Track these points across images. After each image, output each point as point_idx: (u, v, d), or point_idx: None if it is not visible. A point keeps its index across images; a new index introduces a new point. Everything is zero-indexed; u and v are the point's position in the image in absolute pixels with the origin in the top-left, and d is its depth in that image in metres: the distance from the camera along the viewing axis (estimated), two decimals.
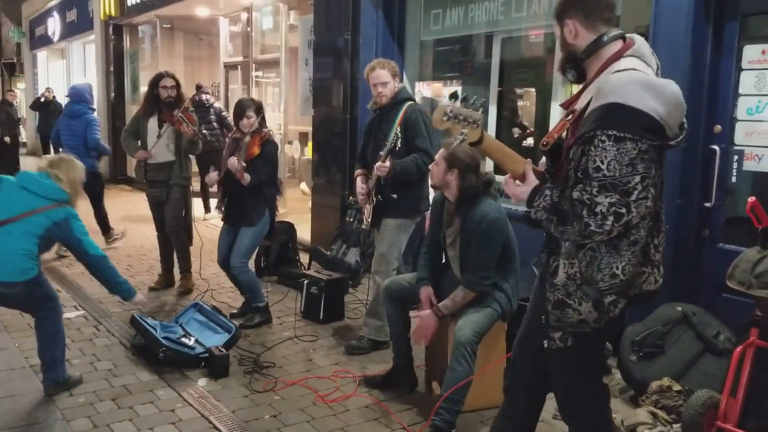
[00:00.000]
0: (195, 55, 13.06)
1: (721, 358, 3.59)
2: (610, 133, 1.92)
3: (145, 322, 4.35)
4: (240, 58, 10.45)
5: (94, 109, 7.42)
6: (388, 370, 3.95)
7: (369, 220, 4.41)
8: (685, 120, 2.07)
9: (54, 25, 16.76)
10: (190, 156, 5.75)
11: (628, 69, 2.03)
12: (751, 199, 3.08)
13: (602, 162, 1.93)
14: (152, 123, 5.61)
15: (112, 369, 4.14)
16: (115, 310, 5.25)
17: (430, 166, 3.58)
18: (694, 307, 3.83)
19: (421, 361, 3.96)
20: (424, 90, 6.61)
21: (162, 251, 5.96)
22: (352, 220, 6.20)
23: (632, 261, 2.05)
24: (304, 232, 7.09)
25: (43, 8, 17.67)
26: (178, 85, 5.63)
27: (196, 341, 4.27)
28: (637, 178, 1.92)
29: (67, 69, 17.02)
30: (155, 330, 4.27)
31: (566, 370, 2.32)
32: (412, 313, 3.87)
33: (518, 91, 5.97)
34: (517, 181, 2.20)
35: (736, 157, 3.93)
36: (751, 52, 3.87)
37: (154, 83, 5.63)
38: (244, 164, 4.65)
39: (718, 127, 4.00)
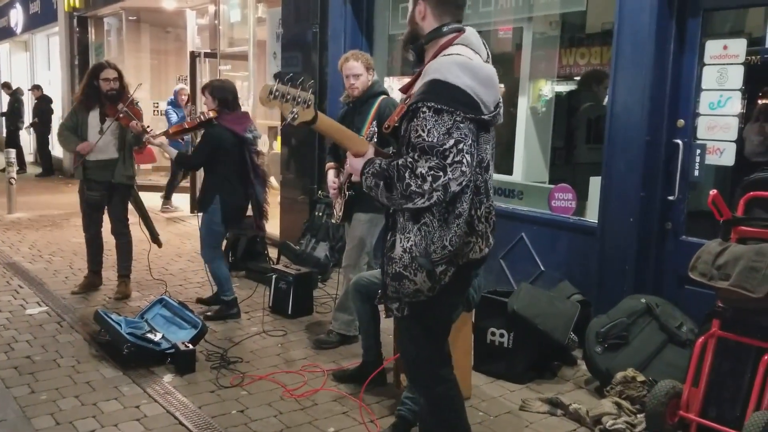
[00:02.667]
0: (162, 48, 12.86)
1: (684, 348, 3.65)
2: (429, 104, 2.14)
3: (110, 317, 4.28)
4: (207, 51, 10.31)
5: None
6: (358, 365, 3.94)
7: (340, 214, 4.39)
8: (500, 99, 2.34)
9: (17, 17, 16.36)
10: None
11: (453, 54, 2.26)
12: (713, 192, 3.13)
13: (423, 130, 2.14)
14: (93, 117, 5.21)
15: (75, 365, 4.06)
16: (79, 306, 5.16)
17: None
18: (657, 299, 3.89)
19: (390, 355, 3.96)
20: (394, 84, 6.60)
21: (90, 252, 5.54)
22: (321, 214, 6.19)
23: (458, 232, 2.26)
24: (272, 227, 7.03)
25: None
26: (120, 77, 5.26)
27: (162, 337, 4.21)
28: (452, 142, 2.12)
29: (30, 62, 16.64)
30: (120, 326, 4.20)
31: (408, 338, 2.51)
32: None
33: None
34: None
35: (698, 151, 4.00)
36: (713, 48, 3.93)
37: (94, 74, 5.24)
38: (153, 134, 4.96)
39: (681, 122, 4.06)
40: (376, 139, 4.15)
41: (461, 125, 2.14)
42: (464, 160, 2.14)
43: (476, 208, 2.31)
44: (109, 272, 5.77)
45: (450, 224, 2.24)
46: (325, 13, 6.50)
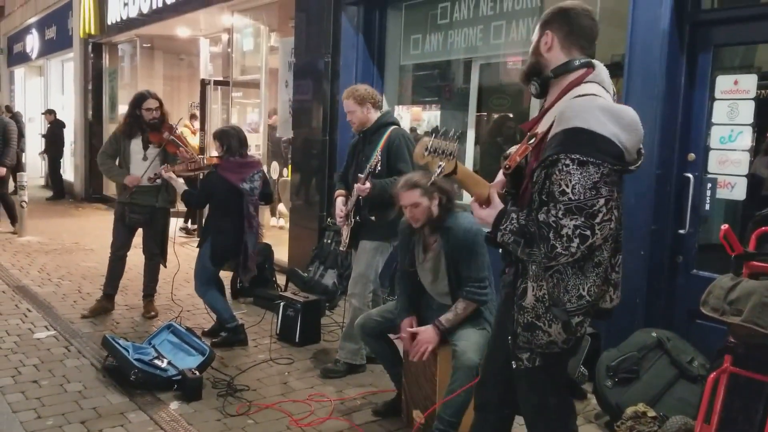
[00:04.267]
0: (174, 75, 13.03)
1: (695, 384, 3.61)
2: (573, 156, 1.96)
3: (117, 343, 4.28)
4: (220, 79, 10.44)
5: None
6: (393, 398, 3.89)
7: (347, 241, 4.41)
8: (642, 146, 2.14)
9: (32, 42, 16.63)
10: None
11: (589, 94, 2.09)
12: (724, 226, 3.12)
13: (567, 185, 1.97)
14: (135, 144, 5.39)
15: (82, 391, 4.05)
16: (87, 330, 5.16)
17: (406, 213, 3.51)
18: (668, 333, 3.86)
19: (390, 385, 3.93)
20: (404, 114, 6.65)
21: (111, 275, 5.62)
22: (329, 241, 6.20)
23: (597, 282, 2.11)
24: (281, 253, 7.05)
25: (21, 25, 17.54)
26: (161, 106, 5.46)
27: (169, 363, 4.20)
28: (602, 201, 1.97)
29: (44, 86, 16.87)
30: (127, 351, 4.20)
31: (535, 390, 2.34)
32: (394, 337, 3.84)
33: (495, 116, 6.02)
34: (483, 206, 2.23)
35: (709, 185, 4.00)
36: (723, 83, 3.96)
37: (137, 104, 5.43)
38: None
39: (691, 156, 4.07)
40: (379, 168, 4.18)
41: (608, 179, 1.97)
42: (612, 217, 2.01)
43: (612, 256, 2.18)
44: (118, 297, 5.79)
45: (587, 273, 2.08)
46: (337, 43, 6.58)
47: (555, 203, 1.99)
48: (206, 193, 4.94)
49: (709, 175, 4.01)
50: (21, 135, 13.56)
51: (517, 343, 2.24)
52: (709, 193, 4.00)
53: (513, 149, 2.31)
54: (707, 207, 4.02)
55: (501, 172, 2.33)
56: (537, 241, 2.02)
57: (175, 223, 5.88)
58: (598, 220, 1.97)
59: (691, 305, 3.77)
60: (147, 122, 5.38)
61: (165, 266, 5.77)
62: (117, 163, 5.45)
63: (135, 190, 5.36)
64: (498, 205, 2.17)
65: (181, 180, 5.12)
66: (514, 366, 2.29)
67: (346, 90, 4.44)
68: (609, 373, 3.75)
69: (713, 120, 4.00)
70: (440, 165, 2.14)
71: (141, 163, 5.36)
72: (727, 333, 3.15)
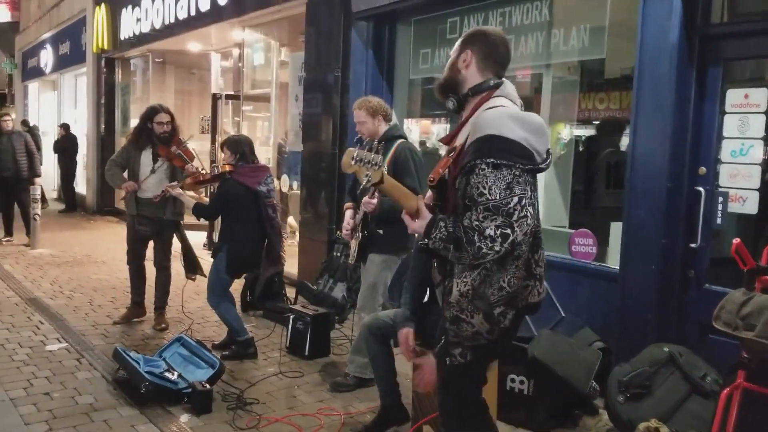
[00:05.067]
0: (186, 89, 13.13)
1: (708, 399, 3.57)
2: (488, 161, 2.15)
3: (128, 355, 4.29)
4: (230, 93, 10.51)
5: None
6: (378, 412, 3.88)
7: (355, 254, 4.42)
8: (549, 146, 2.33)
9: (47, 57, 16.82)
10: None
11: (498, 106, 2.30)
12: (736, 240, 3.11)
13: (484, 188, 2.15)
14: (145, 156, 5.50)
15: (94, 403, 4.06)
16: (98, 342, 5.18)
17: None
18: (681, 348, 3.83)
19: (406, 398, 3.91)
20: (412, 127, 6.68)
21: (135, 284, 5.80)
22: (339, 254, 6.21)
23: (516, 274, 2.27)
24: (291, 266, 7.06)
25: (36, 41, 17.76)
26: (173, 120, 5.54)
27: (180, 376, 4.21)
28: (515, 199, 2.14)
29: (58, 100, 17.04)
30: (138, 364, 4.21)
31: (459, 386, 2.46)
32: (396, 350, 3.83)
33: None
34: (414, 218, 2.35)
35: (720, 199, 3.98)
36: (734, 96, 3.95)
37: (149, 117, 5.51)
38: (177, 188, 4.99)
39: (702, 169, 4.05)
40: None
41: (521, 178, 2.16)
42: (528, 213, 2.15)
43: (534, 251, 2.34)
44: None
45: (508, 266, 2.24)
46: (347, 58, 6.62)
47: (475, 206, 2.16)
48: (222, 200, 4.89)
49: (721, 189, 4.00)
50: (37, 148, 13.76)
51: (448, 338, 2.38)
52: (720, 206, 3.98)
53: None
54: (719, 221, 4.00)
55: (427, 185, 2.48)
56: (464, 245, 2.15)
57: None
58: (515, 217, 2.13)
59: (704, 320, 3.75)
60: (157, 136, 5.45)
61: (194, 278, 5.74)
62: (125, 174, 5.54)
63: (142, 202, 5.45)
64: (427, 215, 2.30)
65: (190, 193, 5.13)
66: (447, 362, 2.41)
67: (358, 100, 4.47)
68: (621, 388, 3.72)
69: (724, 133, 3.99)
70: (367, 174, 2.28)
71: (148, 175, 5.45)
72: (740, 348, 3.13)
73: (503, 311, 2.28)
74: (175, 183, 5.16)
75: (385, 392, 3.82)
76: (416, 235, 2.38)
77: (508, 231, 2.12)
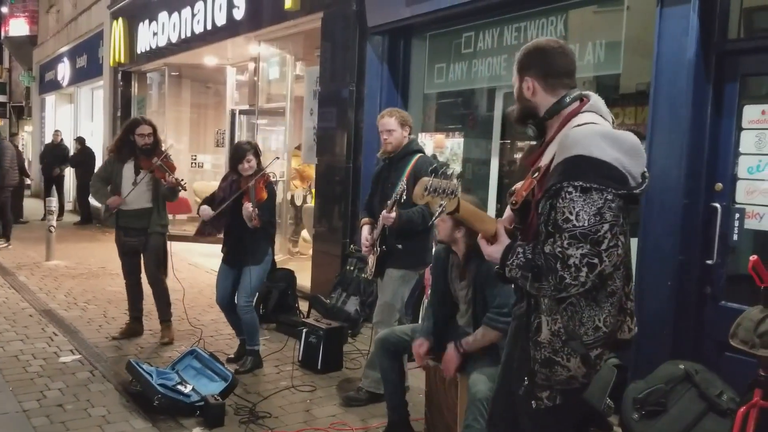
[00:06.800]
0: (201, 103, 13.25)
1: (724, 418, 3.52)
2: (576, 184, 1.95)
3: (141, 367, 4.31)
4: (246, 106, 10.60)
5: None
6: (384, 429, 3.87)
7: (373, 269, 4.40)
8: (646, 169, 2.11)
9: (64, 71, 17.04)
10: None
11: (587, 123, 2.08)
12: (753, 257, 3.07)
13: (571, 213, 1.95)
14: (128, 169, 5.45)
15: (106, 415, 4.07)
16: (111, 355, 5.20)
17: (436, 221, 3.55)
18: (697, 365, 3.78)
19: (418, 414, 3.89)
20: (427, 141, 6.68)
21: (131, 299, 5.75)
22: (352, 268, 6.20)
23: (612, 312, 2.06)
24: (304, 280, 7.07)
25: (53, 54, 18.00)
26: (155, 132, 5.50)
27: (192, 389, 4.21)
28: (606, 227, 1.94)
29: (74, 113, 17.24)
30: (151, 376, 4.22)
31: (547, 429, 2.26)
32: (410, 365, 3.82)
33: (520, 144, 6.03)
34: (490, 242, 2.19)
35: (737, 215, 3.94)
36: (751, 112, 3.92)
37: (130, 129, 5.48)
38: (257, 210, 4.68)
39: (719, 185, 4.02)
40: (405, 198, 4.14)
41: (612, 204, 1.95)
42: (619, 243, 1.98)
43: (625, 284, 2.13)
44: (145, 321, 5.83)
45: (602, 303, 2.04)
46: (362, 72, 6.65)
47: (560, 233, 1.96)
48: (274, 203, 5.01)
49: (737, 206, 3.96)
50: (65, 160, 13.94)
51: (536, 381, 2.16)
52: (737, 223, 3.95)
53: (519, 185, 2.28)
54: (735, 237, 3.96)
55: (509, 207, 2.30)
56: (545, 274, 1.98)
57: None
58: (604, 246, 1.94)
59: (720, 337, 3.71)
60: (140, 148, 5.42)
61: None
62: (108, 187, 5.50)
63: (124, 214, 5.44)
64: (504, 240, 2.14)
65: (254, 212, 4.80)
66: (534, 406, 2.19)
67: (388, 109, 4.49)
68: (636, 405, 3.68)
69: (741, 150, 3.96)
70: (441, 204, 2.11)
71: (131, 188, 5.40)
72: (758, 366, 3.09)
73: (600, 353, 2.08)
74: (250, 206, 4.71)
75: (392, 408, 3.81)
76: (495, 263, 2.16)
77: (596, 261, 1.92)
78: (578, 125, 2.09)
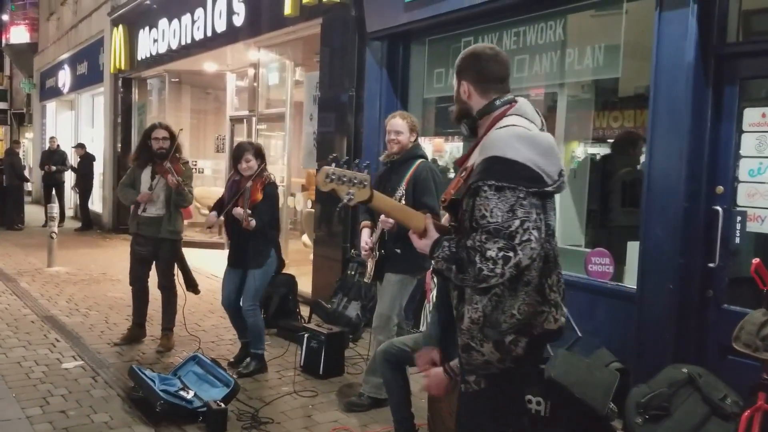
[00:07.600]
0: (201, 108, 13.26)
1: (728, 422, 3.52)
2: (490, 183, 2.11)
3: (144, 373, 4.30)
4: (245, 112, 10.62)
5: None
6: None
7: (371, 273, 4.40)
8: (563, 167, 2.25)
9: (64, 78, 17.07)
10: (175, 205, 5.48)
11: (509, 125, 2.24)
12: (756, 260, 3.08)
13: (486, 210, 2.11)
14: (145, 174, 5.50)
15: (108, 422, 4.07)
16: (114, 361, 5.19)
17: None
18: (700, 369, 3.78)
19: (421, 419, 3.88)
20: (426, 145, 6.69)
21: (136, 305, 5.75)
22: (353, 273, 6.20)
23: (527, 300, 2.19)
24: (305, 285, 7.06)
25: (54, 61, 18.04)
26: (171, 136, 5.49)
27: (195, 395, 4.21)
28: (517, 222, 2.08)
29: (75, 120, 17.26)
30: (153, 382, 4.22)
31: (473, 415, 2.37)
32: (413, 370, 3.81)
33: None
34: (421, 237, 2.32)
35: (739, 218, 3.95)
36: (751, 115, 3.93)
37: (147, 134, 5.53)
38: (249, 211, 4.68)
39: (720, 188, 4.03)
40: (403, 202, 4.14)
41: (524, 201, 2.10)
42: (532, 237, 2.09)
43: (547, 276, 2.25)
44: (148, 327, 5.82)
45: (518, 292, 2.17)
46: (361, 77, 6.67)
47: (479, 228, 2.12)
48: (274, 205, 4.99)
49: (739, 208, 3.97)
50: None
51: (462, 365, 2.32)
52: (738, 226, 3.95)
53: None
54: (737, 240, 3.97)
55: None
56: (466, 266, 2.12)
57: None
58: (517, 240, 2.07)
59: (723, 340, 3.71)
60: (155, 152, 5.43)
61: (196, 292, 5.77)
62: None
63: (141, 221, 5.44)
64: (433, 235, 2.28)
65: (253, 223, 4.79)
66: (462, 389, 2.35)
67: (398, 112, 4.52)
68: (639, 409, 3.68)
69: (741, 152, 3.97)
70: (350, 192, 2.22)
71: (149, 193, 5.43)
72: (761, 369, 3.09)
73: (514, 339, 2.19)
74: (240, 208, 4.76)
75: (399, 422, 3.77)
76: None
77: (510, 254, 2.06)
78: (500, 127, 2.25)
